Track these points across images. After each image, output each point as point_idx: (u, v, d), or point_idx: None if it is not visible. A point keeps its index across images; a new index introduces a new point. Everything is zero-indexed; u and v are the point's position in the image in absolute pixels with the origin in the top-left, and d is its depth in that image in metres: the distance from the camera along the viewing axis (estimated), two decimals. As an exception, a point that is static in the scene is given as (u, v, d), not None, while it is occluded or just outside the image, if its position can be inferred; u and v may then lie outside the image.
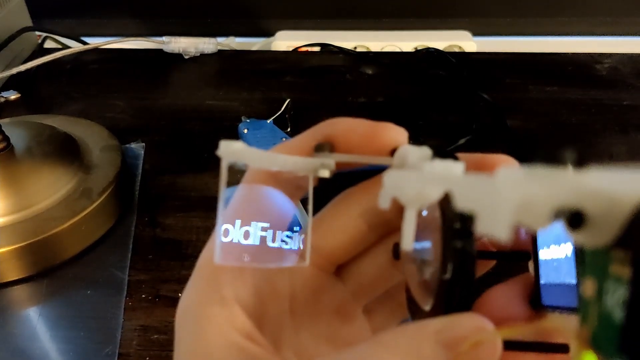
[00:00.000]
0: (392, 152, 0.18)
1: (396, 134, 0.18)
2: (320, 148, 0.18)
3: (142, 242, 0.42)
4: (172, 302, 0.38)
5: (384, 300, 0.22)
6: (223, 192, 0.16)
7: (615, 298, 0.10)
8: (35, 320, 0.37)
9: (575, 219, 0.10)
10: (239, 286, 0.18)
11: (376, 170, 0.19)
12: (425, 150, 0.17)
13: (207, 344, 0.17)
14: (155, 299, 0.38)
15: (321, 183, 0.19)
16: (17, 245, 0.38)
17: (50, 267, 0.40)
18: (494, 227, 0.11)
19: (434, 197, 0.15)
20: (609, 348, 0.10)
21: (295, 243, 0.19)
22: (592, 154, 0.51)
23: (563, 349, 0.15)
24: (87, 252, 0.42)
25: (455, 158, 0.17)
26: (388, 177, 0.17)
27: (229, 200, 0.18)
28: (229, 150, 0.16)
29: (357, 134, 0.19)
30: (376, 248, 0.21)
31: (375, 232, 0.20)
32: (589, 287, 0.11)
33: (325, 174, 0.18)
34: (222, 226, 0.17)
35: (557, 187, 0.10)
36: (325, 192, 0.20)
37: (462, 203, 0.12)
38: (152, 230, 0.43)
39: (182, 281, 0.39)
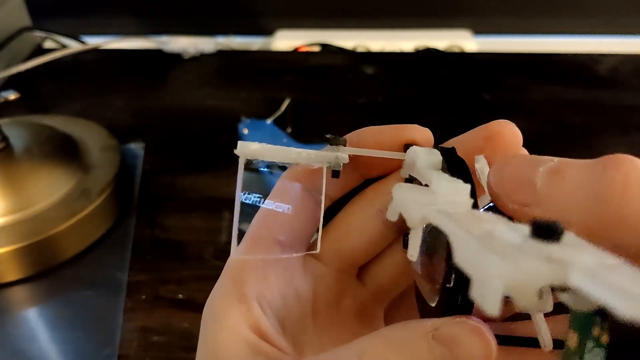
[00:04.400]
0: (406, 147, 0.19)
1: (421, 133, 0.19)
2: (335, 141, 0.18)
3: (141, 243, 0.42)
4: (172, 303, 0.38)
5: (404, 307, 0.22)
6: (240, 188, 0.18)
7: (592, 356, 0.12)
8: (34, 321, 0.37)
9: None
10: (263, 287, 0.19)
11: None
12: (435, 156, 0.17)
13: (220, 338, 0.17)
14: (154, 299, 0.38)
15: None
16: (16, 246, 0.38)
17: (49, 268, 0.40)
18: (483, 297, 0.11)
19: (436, 224, 0.15)
20: None
21: None
22: (592, 154, 0.51)
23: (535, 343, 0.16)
24: (86, 253, 0.42)
25: (464, 165, 0.17)
26: (396, 192, 0.17)
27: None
28: (246, 150, 0.17)
29: (386, 136, 0.19)
30: (393, 246, 0.21)
31: (393, 231, 0.20)
32: (572, 339, 0.12)
33: (339, 166, 0.18)
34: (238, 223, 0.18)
35: (545, 267, 0.11)
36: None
37: (458, 259, 0.13)
38: (152, 230, 0.43)
39: (182, 282, 0.39)
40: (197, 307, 0.37)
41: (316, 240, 0.20)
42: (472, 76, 0.63)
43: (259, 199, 0.19)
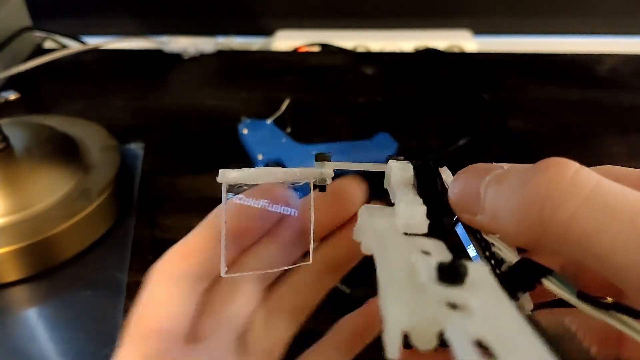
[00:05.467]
0: (387, 159, 0.19)
1: (355, 189, 0.20)
2: (320, 157, 0.19)
3: (141, 243, 0.42)
4: (172, 303, 0.38)
5: None
6: (225, 214, 0.18)
7: None
8: (34, 321, 0.37)
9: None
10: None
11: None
12: (408, 172, 0.18)
13: None
14: (154, 299, 0.38)
15: None
16: (16, 246, 0.38)
17: (49, 268, 0.40)
18: (386, 341, 0.12)
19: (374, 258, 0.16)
20: None
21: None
22: (592, 154, 0.51)
23: None
24: (86, 253, 0.41)
25: (433, 181, 0.18)
26: (360, 215, 0.18)
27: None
28: (228, 177, 0.18)
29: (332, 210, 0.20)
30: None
31: None
32: None
33: (325, 182, 0.19)
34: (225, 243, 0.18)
35: (441, 313, 0.12)
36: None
37: (379, 300, 0.13)
38: (152, 231, 0.43)
39: (182, 282, 0.39)
40: (196, 307, 0.37)
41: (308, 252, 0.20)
42: (472, 76, 0.63)
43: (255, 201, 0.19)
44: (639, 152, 0.52)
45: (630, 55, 0.66)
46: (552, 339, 0.11)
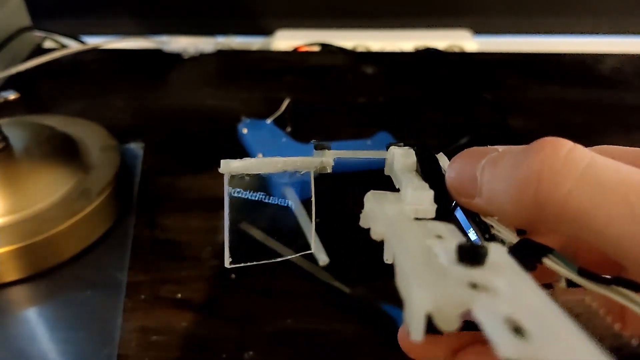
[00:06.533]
0: (387, 146, 0.19)
1: None
2: (319, 147, 0.19)
3: (141, 243, 0.42)
4: (171, 303, 0.38)
5: None
6: (227, 204, 0.18)
7: None
8: (34, 321, 0.37)
9: None
10: None
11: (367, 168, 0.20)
12: (410, 157, 0.18)
13: None
14: (154, 299, 0.38)
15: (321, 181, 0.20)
16: (15, 246, 0.38)
17: (49, 268, 0.40)
18: (410, 322, 0.12)
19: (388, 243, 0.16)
20: None
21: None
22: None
23: None
24: (86, 253, 0.41)
25: (436, 166, 0.18)
26: (367, 201, 0.18)
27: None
28: (230, 167, 0.18)
29: None
30: None
31: None
32: None
33: (325, 170, 0.19)
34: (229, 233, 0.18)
35: (464, 294, 0.12)
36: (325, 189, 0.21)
37: (397, 280, 0.13)
38: (151, 230, 0.43)
39: (181, 282, 0.39)
40: (196, 306, 0.37)
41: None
42: (472, 76, 0.63)
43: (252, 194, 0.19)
44: None
45: (632, 54, 0.66)
46: (576, 318, 0.11)
